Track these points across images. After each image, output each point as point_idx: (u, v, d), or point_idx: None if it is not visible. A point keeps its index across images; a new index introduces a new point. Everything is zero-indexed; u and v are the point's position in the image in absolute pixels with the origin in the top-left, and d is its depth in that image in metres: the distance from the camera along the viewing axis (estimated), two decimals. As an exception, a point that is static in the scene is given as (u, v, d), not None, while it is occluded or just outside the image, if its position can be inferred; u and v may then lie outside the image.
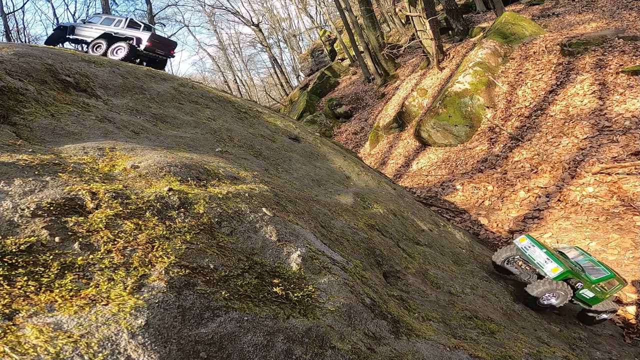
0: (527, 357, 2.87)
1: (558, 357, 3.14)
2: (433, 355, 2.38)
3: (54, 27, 10.32)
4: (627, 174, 7.90)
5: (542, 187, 8.95)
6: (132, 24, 10.18)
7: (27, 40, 29.05)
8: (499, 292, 4.54)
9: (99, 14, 10.88)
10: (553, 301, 4.64)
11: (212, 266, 2.07)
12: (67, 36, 9.81)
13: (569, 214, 7.86)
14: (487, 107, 13.23)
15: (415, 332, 2.60)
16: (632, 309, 5.42)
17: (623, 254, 6.32)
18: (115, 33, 9.56)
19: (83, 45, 10.21)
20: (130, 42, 9.65)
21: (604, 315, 4.89)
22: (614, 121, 9.68)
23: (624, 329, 5.14)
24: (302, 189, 4.80)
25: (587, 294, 4.68)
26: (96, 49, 9.45)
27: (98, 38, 9.60)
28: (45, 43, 9.93)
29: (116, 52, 9.34)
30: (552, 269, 4.64)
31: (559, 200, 8.35)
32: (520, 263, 5.07)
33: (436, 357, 2.37)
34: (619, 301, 5.58)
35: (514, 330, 3.56)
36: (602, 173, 8.22)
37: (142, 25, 10.52)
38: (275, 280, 2.26)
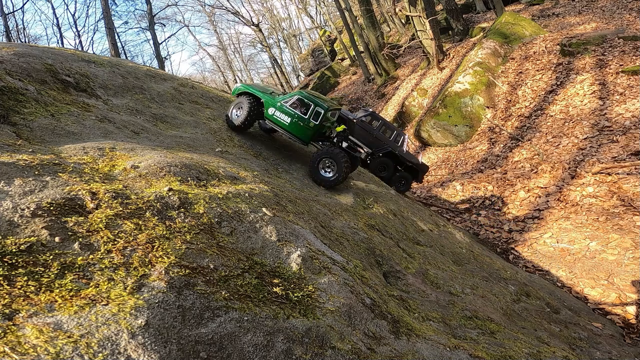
0: (527, 357, 2.87)
1: (558, 357, 3.14)
2: (433, 355, 2.38)
3: None
4: (627, 174, 7.90)
5: (542, 187, 8.95)
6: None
7: (27, 40, 29.03)
8: (499, 292, 4.53)
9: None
10: (236, 114, 5.60)
11: (212, 266, 2.07)
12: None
13: (569, 214, 7.86)
14: (487, 107, 13.23)
15: (415, 332, 2.60)
16: (632, 309, 5.41)
17: (623, 254, 6.32)
18: (400, 154, 7.80)
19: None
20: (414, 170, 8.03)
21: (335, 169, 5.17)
22: (614, 121, 9.68)
23: (624, 329, 5.13)
24: (302, 189, 4.80)
25: (282, 117, 5.22)
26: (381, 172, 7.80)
27: (386, 156, 7.80)
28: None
29: (399, 182, 7.86)
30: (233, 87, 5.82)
31: (559, 200, 8.35)
32: None
33: (436, 357, 2.37)
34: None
35: (514, 330, 3.56)
36: (602, 173, 8.22)
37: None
38: (275, 280, 2.26)
